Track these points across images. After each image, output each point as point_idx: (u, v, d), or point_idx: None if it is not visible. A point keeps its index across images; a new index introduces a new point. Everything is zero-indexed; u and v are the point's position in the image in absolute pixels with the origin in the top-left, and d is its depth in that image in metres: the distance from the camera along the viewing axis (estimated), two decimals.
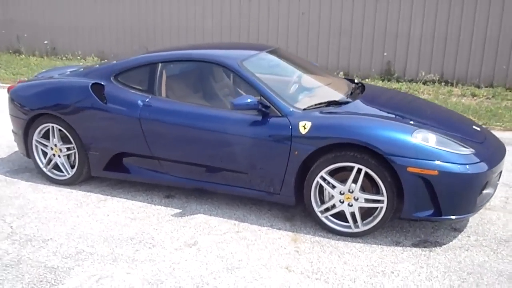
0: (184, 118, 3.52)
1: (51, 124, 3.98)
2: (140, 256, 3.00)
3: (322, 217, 3.26)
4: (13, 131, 4.34)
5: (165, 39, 9.76)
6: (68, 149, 4.03)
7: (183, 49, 4.14)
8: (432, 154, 2.95)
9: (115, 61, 4.06)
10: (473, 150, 3.09)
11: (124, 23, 10.08)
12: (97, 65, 4.17)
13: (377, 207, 3.11)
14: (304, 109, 3.32)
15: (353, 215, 3.17)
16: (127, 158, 3.83)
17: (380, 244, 3.15)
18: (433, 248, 3.11)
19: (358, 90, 3.93)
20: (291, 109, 3.27)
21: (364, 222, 3.17)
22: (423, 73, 8.07)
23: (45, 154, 4.16)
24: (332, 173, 3.16)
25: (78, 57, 10.43)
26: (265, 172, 3.35)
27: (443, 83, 7.96)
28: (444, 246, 3.14)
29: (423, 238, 3.23)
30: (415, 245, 3.15)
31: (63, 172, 4.09)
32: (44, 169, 4.15)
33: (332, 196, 3.20)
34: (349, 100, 3.56)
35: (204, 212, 3.59)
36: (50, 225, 3.40)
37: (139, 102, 3.66)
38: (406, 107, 3.83)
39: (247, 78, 3.44)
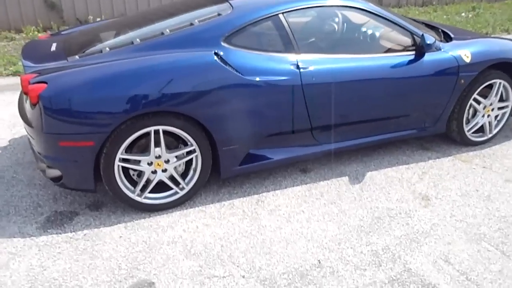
0: (351, 74, 3.03)
1: (153, 128, 2.64)
2: (422, 228, 2.70)
3: (468, 134, 3.62)
4: (54, 159, 2.61)
5: None
6: (178, 157, 2.81)
7: None
8: None
9: (197, 22, 2.90)
10: None
11: None
12: (152, 35, 2.86)
13: (502, 113, 3.71)
14: (440, 41, 3.43)
15: (490, 124, 3.68)
16: (264, 142, 3.01)
17: (507, 142, 3.80)
18: None
19: None
20: (440, 43, 3.33)
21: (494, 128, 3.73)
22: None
23: (127, 176, 2.77)
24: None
25: None
26: (427, 108, 3.37)
27: None
28: None
29: None
30: None
31: (171, 189, 2.85)
32: (138, 198, 2.78)
33: (475, 112, 3.59)
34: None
35: (372, 169, 3.33)
36: (278, 251, 2.51)
37: (291, 65, 2.88)
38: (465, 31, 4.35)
39: (393, 18, 3.23)
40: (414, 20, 4.11)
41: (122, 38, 2.96)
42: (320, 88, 2.96)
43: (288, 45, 2.96)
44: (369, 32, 3.29)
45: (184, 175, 2.91)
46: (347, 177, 3.25)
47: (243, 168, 3.00)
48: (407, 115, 3.34)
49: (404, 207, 2.90)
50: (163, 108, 2.61)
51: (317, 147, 3.17)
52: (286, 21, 2.98)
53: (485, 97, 3.57)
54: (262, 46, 2.93)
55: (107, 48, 2.79)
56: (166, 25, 2.96)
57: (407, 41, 3.27)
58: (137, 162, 2.73)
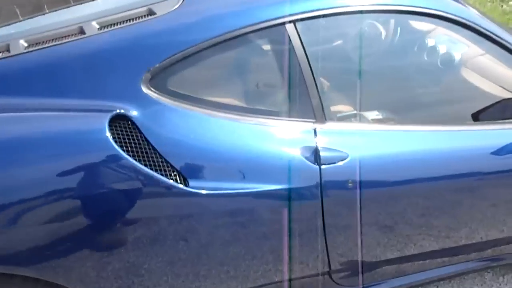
0: (426, 169, 1.40)
1: None
2: None
3: None
4: None
5: None
6: None
7: None
8: None
9: (96, 26, 1.22)
10: None
11: None
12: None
13: None
14: None
15: None
16: None
17: None
18: None
19: None
20: None
21: None
22: None
23: None
24: None
25: None
26: None
27: None
28: None
29: None
30: None
31: None
32: None
33: None
34: None
35: None
36: None
37: (301, 152, 1.25)
38: None
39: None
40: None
41: None
42: (361, 199, 1.35)
43: (301, 101, 1.30)
44: (467, 77, 1.61)
45: None
46: None
47: None
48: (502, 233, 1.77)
49: None
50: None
51: None
52: (300, 41, 1.31)
53: None
54: (227, 98, 1.28)
55: None
56: (19, 33, 1.26)
57: None
58: None
